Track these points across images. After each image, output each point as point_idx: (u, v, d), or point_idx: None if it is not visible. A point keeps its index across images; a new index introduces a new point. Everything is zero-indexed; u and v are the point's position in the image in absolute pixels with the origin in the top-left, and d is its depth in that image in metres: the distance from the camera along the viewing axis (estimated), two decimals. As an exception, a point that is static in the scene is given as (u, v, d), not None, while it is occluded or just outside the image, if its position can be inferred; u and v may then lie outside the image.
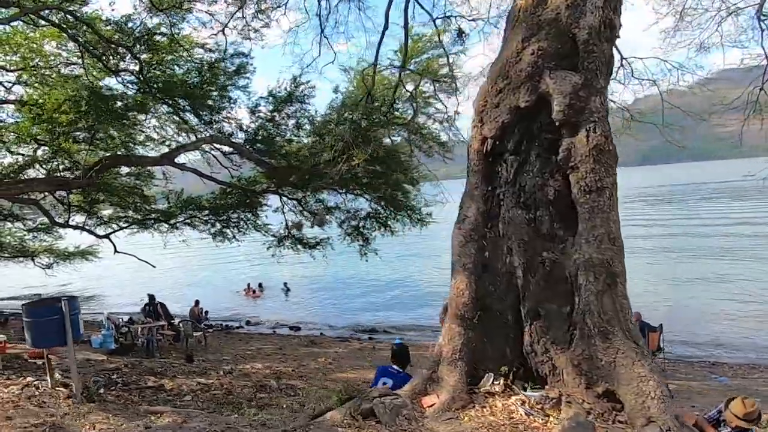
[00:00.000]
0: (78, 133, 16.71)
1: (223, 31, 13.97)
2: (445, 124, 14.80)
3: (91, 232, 20.40)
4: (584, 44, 5.28)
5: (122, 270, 34.16)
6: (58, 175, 18.40)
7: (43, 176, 18.33)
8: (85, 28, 16.42)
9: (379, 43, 12.34)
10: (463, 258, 5.63)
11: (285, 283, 29.71)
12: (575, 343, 5.00)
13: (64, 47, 18.30)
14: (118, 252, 20.84)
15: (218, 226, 20.61)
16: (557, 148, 5.42)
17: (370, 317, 23.86)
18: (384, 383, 7.22)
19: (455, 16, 11.39)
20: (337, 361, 15.46)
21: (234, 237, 20.84)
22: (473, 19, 11.35)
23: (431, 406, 5.23)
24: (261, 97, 18.41)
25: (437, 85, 15.91)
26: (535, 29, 5.46)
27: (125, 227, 20.82)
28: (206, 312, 21.53)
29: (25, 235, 24.52)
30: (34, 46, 17.82)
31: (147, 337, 16.12)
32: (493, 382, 5.27)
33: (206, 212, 20.40)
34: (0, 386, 8.52)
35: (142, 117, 18.21)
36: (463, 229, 5.74)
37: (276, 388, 11.38)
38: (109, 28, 16.80)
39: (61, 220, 20.15)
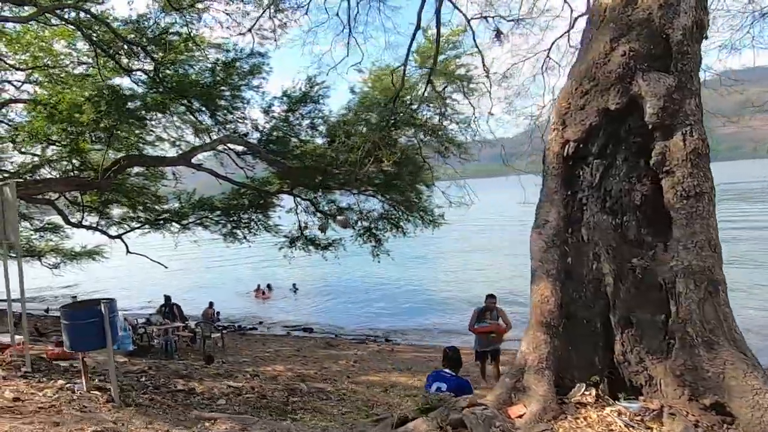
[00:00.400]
0: (95, 133, 16.48)
1: (250, 30, 13.66)
2: (472, 125, 14.54)
3: (104, 233, 20.16)
4: (678, 45, 5.09)
5: (129, 271, 33.83)
6: (70, 175, 18.13)
7: (57, 177, 18.05)
8: (98, 26, 16.25)
9: (410, 44, 12.12)
10: (546, 264, 5.42)
11: (294, 284, 29.51)
12: (675, 353, 4.79)
13: (73, 46, 18.09)
14: (130, 252, 20.61)
15: (229, 226, 20.40)
16: (646, 152, 5.23)
17: (381, 319, 23.68)
18: (438, 388, 7.03)
19: (493, 17, 11.17)
20: (358, 363, 15.23)
21: (245, 238, 20.64)
22: (513, 20, 11.15)
23: (520, 416, 5.02)
24: (275, 97, 18.23)
25: (465, 85, 15.71)
26: (625, 30, 5.26)
27: (137, 228, 20.58)
28: (218, 313, 21.28)
29: (31, 234, 24.24)
30: (43, 44, 17.61)
31: (165, 338, 15.85)
32: (584, 392, 5.06)
33: (218, 213, 20.20)
34: (34, 389, 8.26)
35: (159, 117, 18.00)
36: (544, 234, 5.54)
37: (306, 392, 11.14)
38: (124, 27, 16.62)
39: (73, 221, 19.88)
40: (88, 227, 19.61)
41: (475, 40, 11.57)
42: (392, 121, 14.68)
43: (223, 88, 17.47)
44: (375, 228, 20.00)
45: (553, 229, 5.51)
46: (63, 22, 16.46)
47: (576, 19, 12.62)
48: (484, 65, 11.75)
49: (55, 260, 24.66)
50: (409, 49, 12.30)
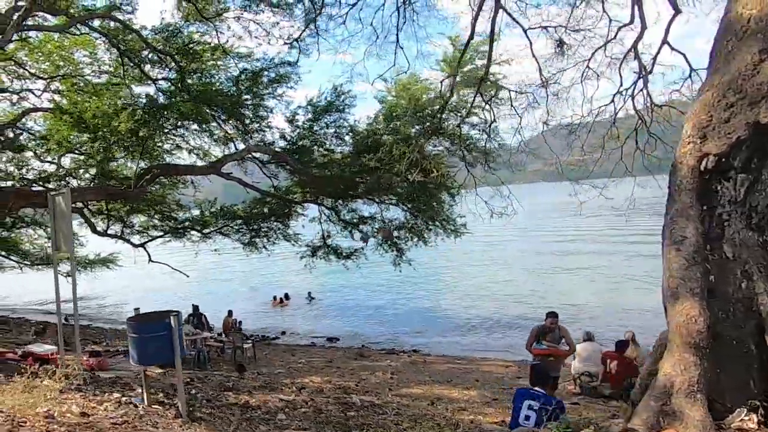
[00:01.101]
0: (128, 141, 16.19)
1: (298, 40, 13.31)
2: (519, 134, 14.22)
3: (127, 241, 19.81)
4: (835, 57, 4.83)
5: (141, 280, 33.30)
6: (92, 184, 17.74)
7: (87, 186, 17.66)
8: (122, 35, 16.04)
9: (462, 54, 11.87)
10: (689, 282, 5.11)
11: (309, 293, 29.11)
12: None
13: (94, 55, 17.84)
14: (153, 261, 20.26)
15: (248, 235, 20.11)
16: (796, 167, 4.97)
17: (400, 327, 23.34)
18: (530, 406, 6.72)
19: (554, 27, 10.91)
20: (396, 375, 14.86)
21: (264, 247, 20.35)
22: (576, 30, 10.90)
23: (676, 442, 4.70)
24: (299, 107, 18.04)
25: (492, 93, 15.42)
26: (774, 40, 5.01)
27: (159, 236, 20.26)
28: (240, 322, 20.78)
29: (45, 242, 23.83)
30: (63, 53, 17.36)
31: (198, 348, 15.44)
32: (743, 417, 4.75)
33: (239, 222, 19.95)
34: (93, 403, 7.86)
35: (188, 125, 17.71)
36: (684, 251, 5.22)
37: (360, 406, 10.76)
38: (154, 36, 16.38)
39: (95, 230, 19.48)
40: (113, 236, 19.24)
41: (532, 51, 11.20)
42: (437, 131, 14.37)
43: (246, 96, 17.22)
44: (397, 237, 19.75)
45: (693, 245, 5.21)
46: (91, 31, 16.15)
47: (619, 29, 12.42)
48: (541, 76, 11.46)
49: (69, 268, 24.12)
50: (460, 60, 12.08)
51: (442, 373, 15.30)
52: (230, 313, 20.75)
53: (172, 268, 20.29)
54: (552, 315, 10.73)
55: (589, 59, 12.78)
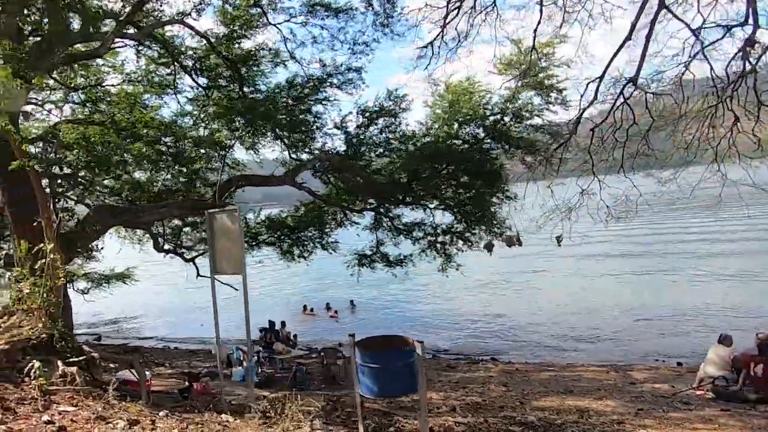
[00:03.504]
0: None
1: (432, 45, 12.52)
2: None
3: (181, 256, 18.69)
4: None
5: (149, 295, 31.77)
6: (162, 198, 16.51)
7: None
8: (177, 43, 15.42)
9: (613, 58, 11.40)
10: None
11: (351, 301, 28.26)
12: None
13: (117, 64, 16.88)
14: (201, 276, 19.24)
15: (287, 244, 19.32)
16: None
17: (454, 334, 22.80)
18: None
19: (734, 27, 10.46)
20: (509, 387, 14.24)
21: (302, 256, 19.63)
22: None
23: None
24: (349, 112, 17.60)
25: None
26: None
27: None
28: (295, 336, 19.69)
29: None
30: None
31: (297, 367, 14.61)
32: None
33: (283, 231, 19.19)
34: None
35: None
36: None
37: (542, 427, 10.08)
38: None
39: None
40: (168, 251, 18.11)
41: (704, 53, 10.72)
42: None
43: (296, 104, 16.53)
44: (444, 243, 19.23)
45: None
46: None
47: (730, 28, 12.11)
48: (712, 76, 10.96)
49: (86, 285, 22.79)
50: (609, 64, 11.62)
51: (550, 382, 14.73)
52: (283, 324, 19.75)
53: (222, 283, 19.32)
54: None
55: (691, 60, 12.44)
